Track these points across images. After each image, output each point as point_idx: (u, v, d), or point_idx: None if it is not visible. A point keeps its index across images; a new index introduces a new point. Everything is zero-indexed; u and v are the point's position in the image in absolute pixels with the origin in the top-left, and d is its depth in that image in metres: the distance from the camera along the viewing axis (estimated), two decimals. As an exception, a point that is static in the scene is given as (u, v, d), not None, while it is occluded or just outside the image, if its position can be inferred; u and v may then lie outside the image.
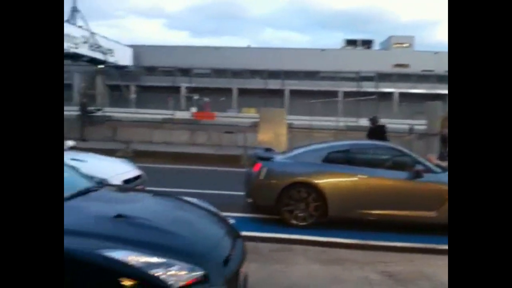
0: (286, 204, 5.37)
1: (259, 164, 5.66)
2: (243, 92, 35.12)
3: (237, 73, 36.58)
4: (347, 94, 31.00)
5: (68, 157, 4.55)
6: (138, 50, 35.57)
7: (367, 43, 42.76)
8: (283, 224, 5.33)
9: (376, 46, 43.23)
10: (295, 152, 6.09)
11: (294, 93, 34.33)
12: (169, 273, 2.16)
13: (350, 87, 33.74)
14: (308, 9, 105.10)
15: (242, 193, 6.24)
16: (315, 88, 33.23)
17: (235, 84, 35.68)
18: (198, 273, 2.26)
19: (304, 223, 5.32)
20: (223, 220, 3.22)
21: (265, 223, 5.49)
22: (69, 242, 2.18)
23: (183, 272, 2.21)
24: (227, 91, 35.35)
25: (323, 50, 37.93)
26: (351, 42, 42.54)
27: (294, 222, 5.34)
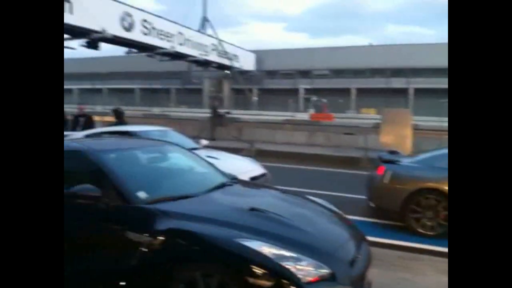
0: (412, 211, 5.08)
1: (383, 167, 5.47)
2: (362, 92, 33.94)
3: (357, 73, 35.51)
4: (484, 92, 27.36)
5: (204, 155, 5.08)
6: (260, 54, 37.24)
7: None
8: (407, 231, 5.05)
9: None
10: (424, 155, 5.70)
11: (420, 91, 31.77)
12: (298, 267, 2.27)
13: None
14: (433, 1, 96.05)
15: (363, 197, 6.10)
16: (445, 86, 30.22)
17: (354, 84, 34.68)
18: (325, 271, 2.33)
19: (432, 233, 4.95)
20: (348, 222, 3.24)
21: (388, 228, 5.28)
22: (209, 229, 2.46)
23: (311, 268, 2.30)
24: (346, 92, 34.59)
25: (455, 44, 34.20)
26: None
27: (421, 230, 5.00)
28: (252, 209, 2.78)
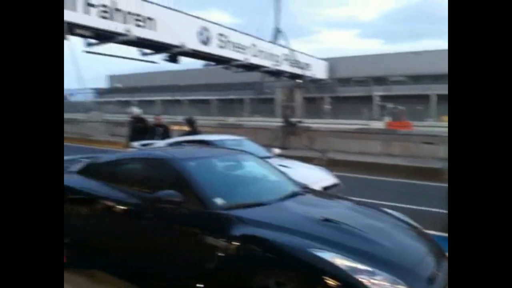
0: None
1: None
2: (443, 98, 31.66)
3: (437, 78, 33.29)
4: None
5: (276, 163, 5.17)
6: (332, 62, 36.73)
7: None
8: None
9: None
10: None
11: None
12: (372, 281, 2.21)
13: None
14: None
15: (443, 210, 5.72)
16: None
17: (434, 90, 32.53)
18: (402, 287, 2.23)
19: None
20: (427, 237, 3.08)
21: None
22: (282, 237, 2.50)
23: (386, 283, 2.22)
24: (425, 98, 32.58)
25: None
26: None
27: None
28: (325, 220, 2.77)
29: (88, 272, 3.64)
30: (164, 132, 8.89)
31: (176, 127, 12.07)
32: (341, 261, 2.29)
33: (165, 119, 11.05)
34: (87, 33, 19.43)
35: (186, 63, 25.58)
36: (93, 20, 18.99)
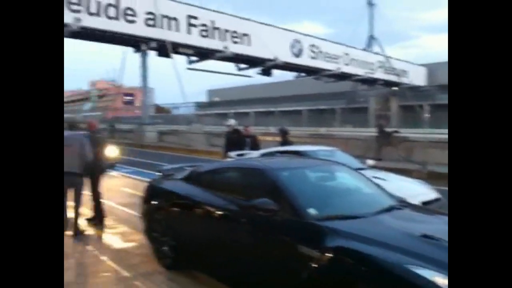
0: None
1: None
2: None
3: None
4: None
5: (370, 175, 5.02)
6: (432, 68, 34.30)
7: None
8: None
9: None
10: None
11: None
12: None
13: None
14: None
15: None
16: None
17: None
18: None
19: None
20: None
21: None
22: (378, 252, 2.44)
23: None
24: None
25: None
26: None
27: None
28: (425, 236, 2.64)
29: (191, 273, 3.96)
30: (252, 142, 9.15)
31: (268, 138, 12.39)
32: (442, 280, 2.17)
33: (255, 129, 11.39)
34: (189, 51, 21.22)
35: (277, 75, 26.23)
36: (194, 39, 20.66)
